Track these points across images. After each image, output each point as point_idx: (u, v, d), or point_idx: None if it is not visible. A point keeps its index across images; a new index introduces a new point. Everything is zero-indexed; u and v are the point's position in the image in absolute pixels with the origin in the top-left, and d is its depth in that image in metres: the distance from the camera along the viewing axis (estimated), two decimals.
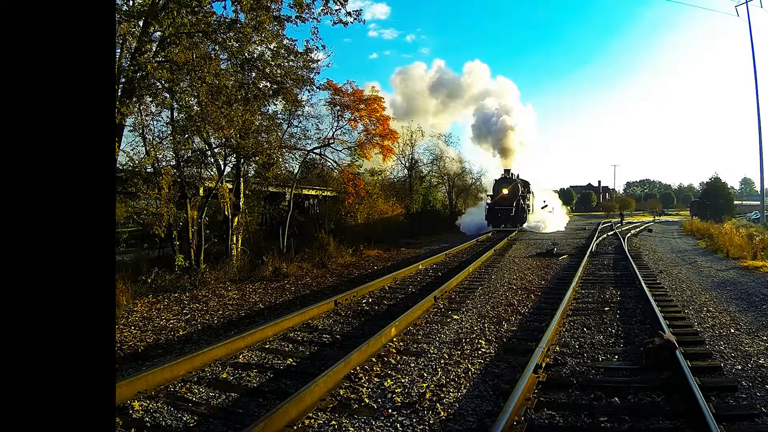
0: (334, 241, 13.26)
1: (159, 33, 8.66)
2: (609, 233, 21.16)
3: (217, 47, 9.27)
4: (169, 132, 10.31)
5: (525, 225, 24.33)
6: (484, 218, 24.37)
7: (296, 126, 13.82)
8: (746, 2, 27.92)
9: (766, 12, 47.04)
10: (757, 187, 48.78)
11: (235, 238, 11.62)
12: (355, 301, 6.97)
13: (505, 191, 24.29)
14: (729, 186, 44.05)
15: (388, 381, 3.85)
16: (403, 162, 26.40)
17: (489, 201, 25.28)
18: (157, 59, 8.56)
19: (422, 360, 4.38)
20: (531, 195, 27.85)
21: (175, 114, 10.06)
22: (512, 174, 26.12)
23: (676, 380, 3.70)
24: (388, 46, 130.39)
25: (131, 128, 9.62)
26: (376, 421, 3.17)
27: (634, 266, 9.91)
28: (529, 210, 26.39)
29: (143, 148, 9.92)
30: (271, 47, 9.87)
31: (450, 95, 37.13)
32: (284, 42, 9.85)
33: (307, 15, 9.29)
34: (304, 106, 13.14)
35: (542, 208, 30.63)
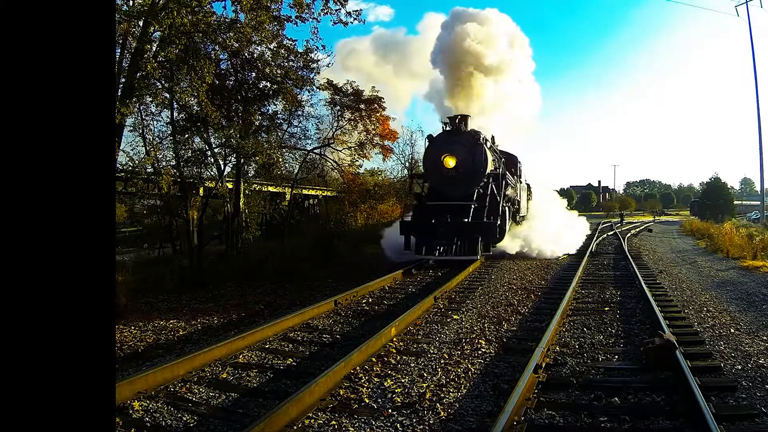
0: (334, 240, 13.25)
1: (159, 33, 8.66)
2: (609, 233, 21.15)
3: (217, 47, 9.28)
4: (169, 132, 10.33)
5: (505, 245, 11.69)
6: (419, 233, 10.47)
7: (296, 126, 13.83)
8: (746, 2, 27.91)
9: (766, 12, 47.08)
10: (757, 187, 48.84)
11: (235, 238, 11.63)
12: (355, 301, 6.97)
13: (451, 162, 10.72)
14: (729, 186, 44.15)
15: (388, 381, 3.85)
16: (403, 162, 26.28)
17: (418, 190, 12.45)
18: (157, 59, 8.56)
19: (422, 360, 4.37)
20: (520, 184, 14.66)
21: (175, 114, 10.07)
22: (479, 135, 11.23)
23: (676, 380, 3.70)
24: None
25: (131, 128, 9.64)
26: (376, 421, 3.17)
27: (634, 266, 9.91)
28: (517, 212, 14.00)
29: (143, 148, 9.94)
30: (271, 47, 9.89)
31: (409, 68, 25.10)
32: (284, 42, 9.87)
33: (307, 15, 9.32)
34: (304, 106, 13.15)
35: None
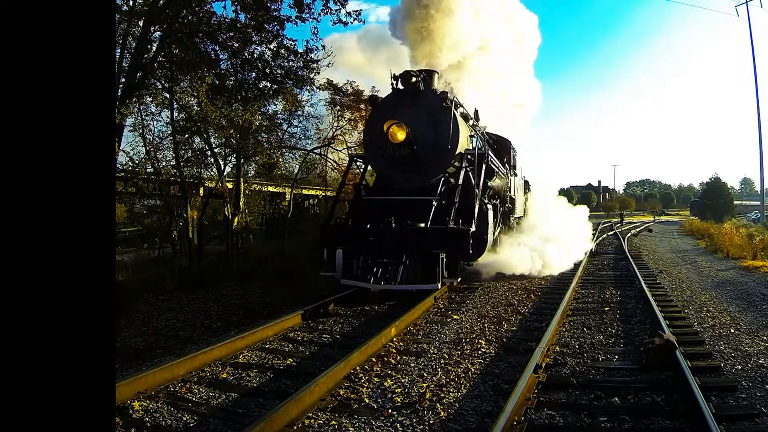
0: None
1: (159, 33, 8.68)
2: (609, 233, 21.17)
3: (217, 47, 9.30)
4: (169, 132, 10.34)
5: (491, 261, 8.43)
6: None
7: (296, 126, 13.81)
8: (746, 2, 27.94)
9: (766, 12, 47.11)
10: (757, 187, 48.91)
11: (235, 238, 11.64)
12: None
13: (400, 135, 7.10)
14: (729, 186, 44.23)
15: (388, 381, 3.85)
16: None
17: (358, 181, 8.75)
18: (157, 59, 8.58)
19: (422, 360, 4.37)
20: (514, 178, 11.40)
21: (175, 114, 10.08)
22: (447, 94, 7.56)
23: (676, 380, 3.71)
24: None
25: (131, 128, 9.65)
26: (376, 421, 3.17)
27: (634, 266, 9.92)
28: (510, 212, 11.00)
29: (143, 148, 9.95)
30: (272, 47, 9.89)
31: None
32: (284, 42, 9.87)
33: (307, 15, 9.32)
34: (304, 106, 13.13)
35: None
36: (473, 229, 6.89)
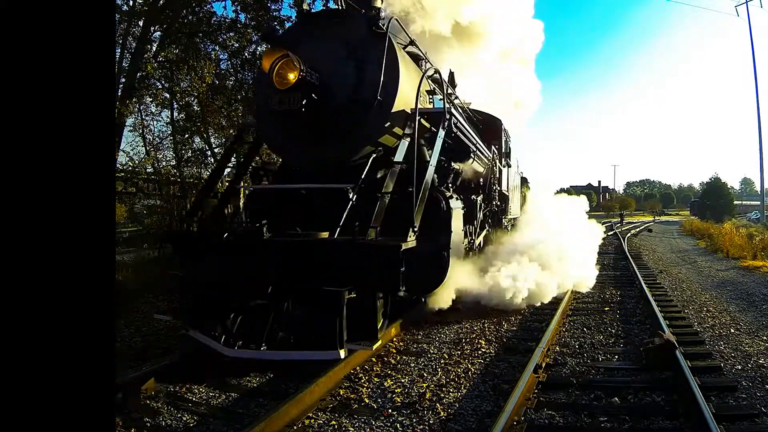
0: None
1: (159, 33, 8.69)
2: (609, 233, 21.18)
3: (217, 47, 9.31)
4: (169, 132, 10.34)
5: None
6: None
7: None
8: (746, 2, 27.95)
9: (766, 12, 47.17)
10: (757, 187, 48.94)
11: None
12: None
13: (291, 75, 3.85)
14: (729, 186, 44.27)
15: (388, 381, 3.85)
16: None
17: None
18: (157, 59, 8.58)
19: (422, 360, 4.37)
20: (508, 169, 8.64)
21: (175, 114, 10.09)
22: (379, 13, 4.57)
23: (676, 380, 3.71)
24: None
25: (131, 128, 9.66)
26: (376, 421, 3.17)
27: (634, 266, 9.91)
28: (502, 212, 8.44)
29: (143, 148, 9.96)
30: None
31: None
32: None
33: None
34: None
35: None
36: (412, 243, 3.81)
